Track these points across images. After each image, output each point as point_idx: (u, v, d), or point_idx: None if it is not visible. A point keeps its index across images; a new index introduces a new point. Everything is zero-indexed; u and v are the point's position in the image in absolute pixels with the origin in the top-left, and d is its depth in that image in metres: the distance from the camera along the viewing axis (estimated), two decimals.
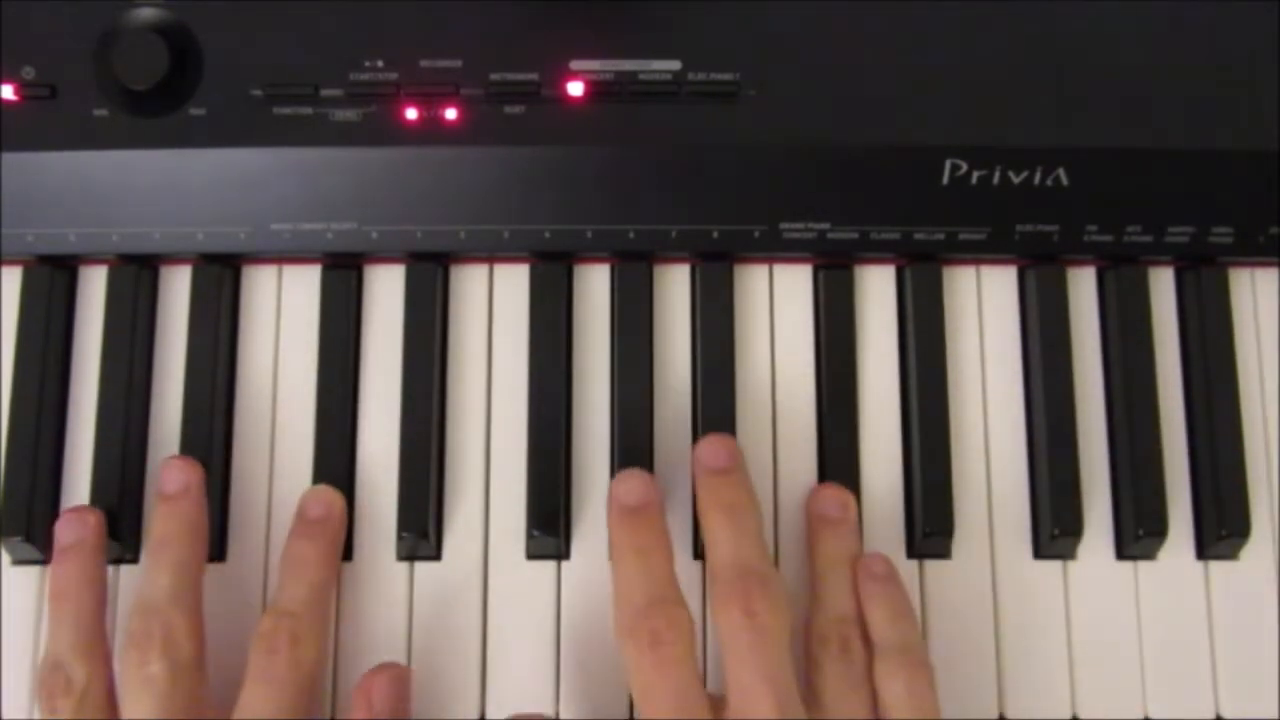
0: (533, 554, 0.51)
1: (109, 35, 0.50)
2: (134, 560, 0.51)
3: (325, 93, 0.50)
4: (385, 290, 0.53)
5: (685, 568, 0.50)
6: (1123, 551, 0.52)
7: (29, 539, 0.50)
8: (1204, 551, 0.52)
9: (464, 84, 0.50)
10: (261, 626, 0.46)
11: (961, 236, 0.52)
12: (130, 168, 0.51)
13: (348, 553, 0.51)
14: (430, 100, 0.50)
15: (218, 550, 0.51)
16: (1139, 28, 0.51)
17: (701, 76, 0.51)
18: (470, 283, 0.54)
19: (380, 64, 0.51)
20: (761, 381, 0.53)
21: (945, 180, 0.51)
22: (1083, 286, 0.54)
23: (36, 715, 0.47)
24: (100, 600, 0.48)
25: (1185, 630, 0.51)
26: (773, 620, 0.44)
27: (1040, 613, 0.51)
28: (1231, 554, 0.52)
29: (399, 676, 0.48)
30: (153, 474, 0.52)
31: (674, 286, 0.54)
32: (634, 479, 0.48)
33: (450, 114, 0.51)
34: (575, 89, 0.51)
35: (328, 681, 0.50)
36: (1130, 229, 0.52)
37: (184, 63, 0.50)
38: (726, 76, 0.51)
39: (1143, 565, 0.52)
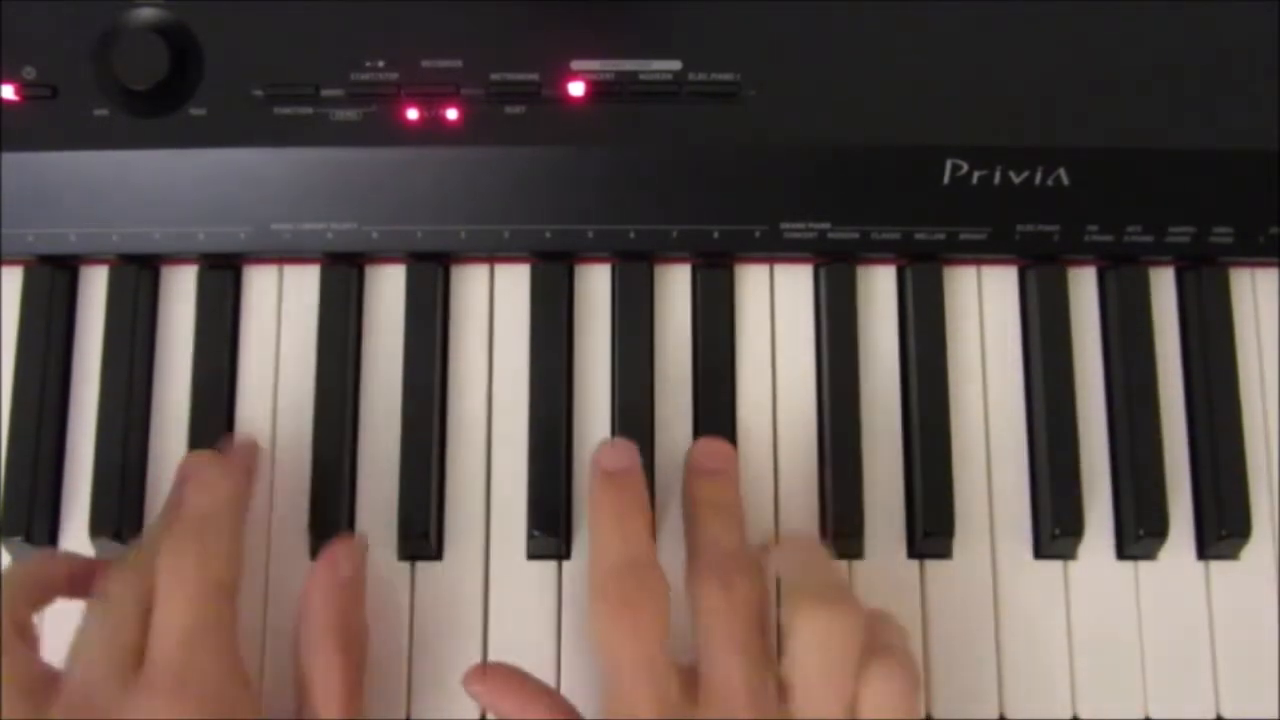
0: (533, 554, 0.51)
1: (109, 35, 0.50)
2: None
3: (325, 93, 0.50)
4: (386, 290, 0.53)
5: (677, 568, 0.50)
6: (1123, 551, 0.52)
7: (29, 539, 0.50)
8: (1204, 551, 0.52)
9: (464, 84, 0.50)
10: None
11: (962, 236, 0.52)
12: (130, 168, 0.51)
13: None
14: (430, 100, 0.50)
15: None
16: (1138, 28, 0.51)
17: (701, 76, 0.51)
18: (470, 283, 0.54)
19: (380, 64, 0.51)
20: (761, 381, 0.53)
21: (945, 180, 0.51)
22: (1083, 286, 0.54)
23: None
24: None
25: (1185, 630, 0.51)
26: (750, 595, 0.43)
27: (1040, 613, 0.51)
28: (1232, 554, 0.52)
29: (355, 549, 0.48)
30: (153, 474, 0.52)
31: (674, 286, 0.54)
32: (619, 446, 0.48)
33: (450, 114, 0.50)
34: (576, 89, 0.51)
35: None
36: (1130, 229, 0.52)
37: (184, 63, 0.50)
38: (726, 76, 0.51)
39: (1143, 565, 0.52)
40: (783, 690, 0.43)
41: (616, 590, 0.44)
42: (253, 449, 0.51)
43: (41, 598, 0.46)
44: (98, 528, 0.51)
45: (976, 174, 0.51)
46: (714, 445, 0.50)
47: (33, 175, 0.51)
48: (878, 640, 0.44)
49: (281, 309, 0.53)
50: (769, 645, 0.44)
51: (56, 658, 0.44)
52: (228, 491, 0.47)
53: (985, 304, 0.54)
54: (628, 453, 0.48)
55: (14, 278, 0.53)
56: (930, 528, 0.51)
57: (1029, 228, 0.52)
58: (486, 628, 0.51)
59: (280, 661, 0.47)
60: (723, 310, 0.53)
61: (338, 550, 0.47)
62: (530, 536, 0.50)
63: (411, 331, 0.52)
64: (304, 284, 0.53)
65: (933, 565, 0.52)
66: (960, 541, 0.52)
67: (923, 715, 0.50)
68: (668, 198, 0.51)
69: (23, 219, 0.51)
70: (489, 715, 0.49)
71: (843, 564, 0.51)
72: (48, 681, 0.43)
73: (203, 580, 0.44)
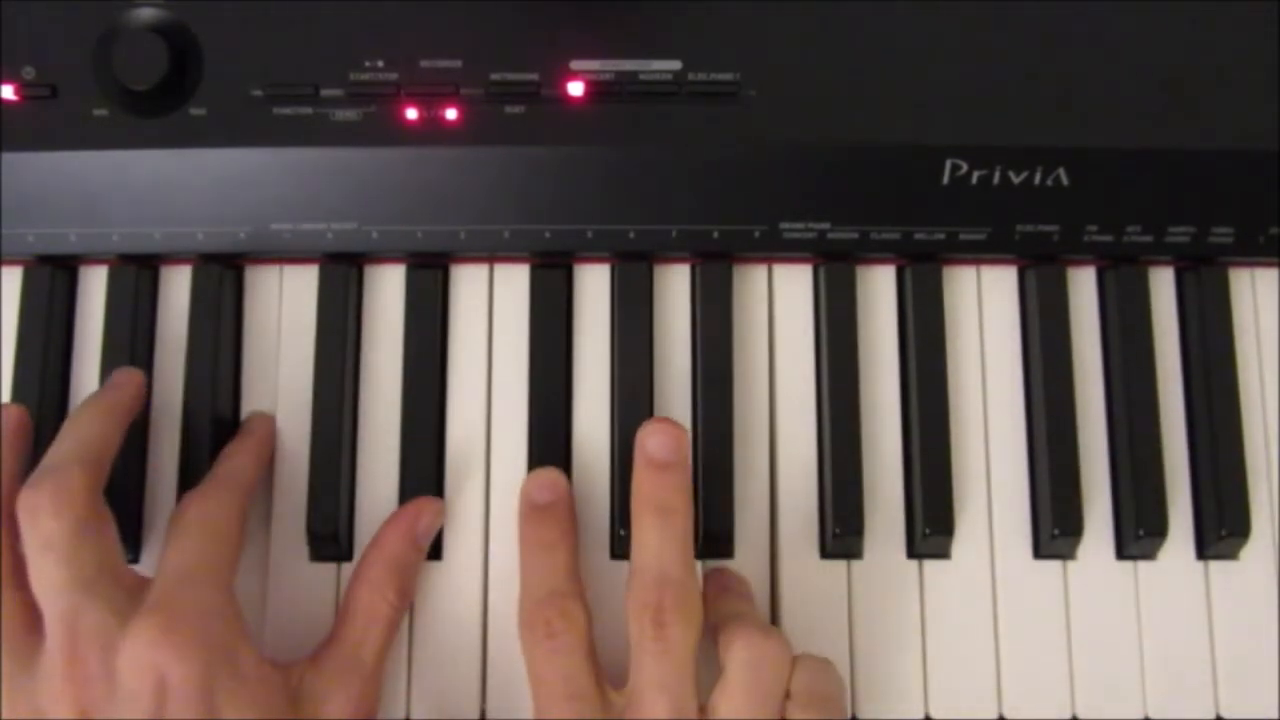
0: None
1: (109, 35, 0.50)
2: (134, 560, 0.51)
3: (325, 93, 0.50)
4: (386, 290, 0.53)
5: None
6: (1123, 551, 0.52)
7: None
8: (1204, 551, 0.52)
9: (464, 84, 0.50)
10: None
11: (961, 236, 0.52)
12: (130, 168, 0.51)
13: (348, 553, 0.51)
14: (430, 100, 0.50)
15: None
16: (1139, 28, 0.51)
17: (701, 76, 0.51)
18: (470, 283, 0.54)
19: (380, 64, 0.51)
20: (761, 381, 0.53)
21: (945, 180, 0.51)
22: (1083, 286, 0.54)
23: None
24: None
25: (1185, 630, 0.51)
26: (681, 633, 0.45)
27: (1040, 613, 0.51)
28: (1231, 554, 0.52)
29: (439, 512, 0.50)
30: (152, 473, 0.52)
31: (674, 286, 0.54)
32: (544, 477, 0.49)
33: (450, 114, 0.51)
34: (575, 89, 0.51)
35: None
36: (1130, 229, 0.52)
37: (184, 63, 0.50)
38: (726, 76, 0.51)
39: (1143, 565, 0.52)
40: (708, 715, 0.44)
41: (540, 620, 0.46)
42: (269, 423, 0.52)
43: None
44: None
45: (976, 174, 0.51)
46: (669, 432, 0.47)
47: (33, 175, 0.51)
48: (812, 683, 0.46)
49: (281, 309, 0.53)
50: (699, 676, 0.45)
51: None
52: (240, 461, 0.50)
53: (985, 304, 0.54)
54: (555, 484, 0.49)
55: (14, 278, 0.53)
56: (930, 528, 0.51)
57: (1029, 228, 0.52)
58: (486, 627, 0.51)
59: (280, 659, 0.47)
60: (723, 310, 0.53)
61: (424, 505, 0.50)
62: None
63: (411, 331, 0.52)
64: (304, 284, 0.53)
65: (932, 565, 0.52)
66: (959, 541, 0.52)
67: (920, 717, 0.50)
68: (668, 198, 0.51)
69: (23, 219, 0.51)
70: None
71: (842, 564, 0.51)
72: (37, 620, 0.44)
73: (203, 529, 0.46)
